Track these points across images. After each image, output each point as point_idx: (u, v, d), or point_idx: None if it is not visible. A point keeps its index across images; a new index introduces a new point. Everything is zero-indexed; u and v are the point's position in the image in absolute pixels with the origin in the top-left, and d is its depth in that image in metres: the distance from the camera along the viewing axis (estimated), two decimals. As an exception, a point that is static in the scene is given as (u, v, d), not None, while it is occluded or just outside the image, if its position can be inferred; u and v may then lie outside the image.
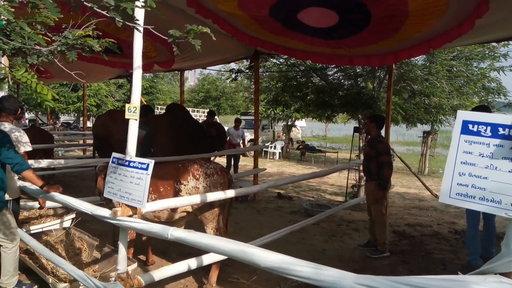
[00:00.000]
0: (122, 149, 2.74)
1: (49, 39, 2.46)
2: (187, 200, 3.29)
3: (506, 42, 8.25)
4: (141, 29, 2.32)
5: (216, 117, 9.59)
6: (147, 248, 4.32)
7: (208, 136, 7.46)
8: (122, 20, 1.77)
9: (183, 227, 4.16)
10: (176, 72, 13.60)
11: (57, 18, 2.31)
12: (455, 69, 8.66)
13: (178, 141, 6.76)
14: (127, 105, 2.62)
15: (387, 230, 5.07)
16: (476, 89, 9.26)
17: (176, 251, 4.54)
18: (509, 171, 1.44)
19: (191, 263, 3.28)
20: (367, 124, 5.30)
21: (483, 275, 1.43)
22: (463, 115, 1.56)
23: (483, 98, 9.96)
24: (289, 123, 19.84)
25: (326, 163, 16.16)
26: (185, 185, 3.59)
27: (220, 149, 7.83)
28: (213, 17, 4.79)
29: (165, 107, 8.04)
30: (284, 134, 20.72)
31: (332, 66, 8.40)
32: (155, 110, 25.74)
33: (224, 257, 3.19)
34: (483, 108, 4.58)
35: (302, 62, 8.77)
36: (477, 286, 1.29)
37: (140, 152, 5.57)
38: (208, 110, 11.51)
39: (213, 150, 7.54)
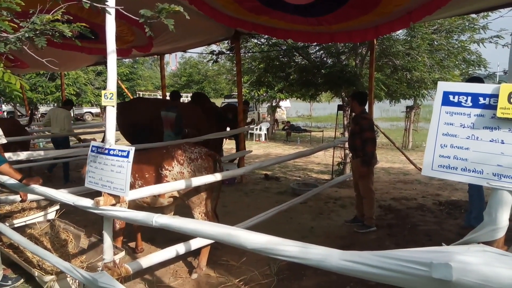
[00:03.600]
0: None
1: (16, 26, 2.34)
2: (170, 186, 3.25)
3: (485, 14, 8.30)
4: (112, 11, 2.22)
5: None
6: (137, 235, 4.29)
7: (226, 118, 8.15)
8: (89, 1, 1.68)
9: (173, 212, 4.14)
10: (156, 56, 13.33)
11: (23, 3, 2.20)
12: (435, 42, 8.70)
13: (209, 124, 7.42)
14: (103, 92, 2.53)
15: (375, 205, 5.14)
16: (457, 62, 9.36)
17: (164, 237, 4.51)
18: (490, 141, 1.43)
19: (179, 248, 3.26)
20: (350, 102, 5.35)
21: (466, 244, 1.44)
22: (444, 86, 1.54)
23: (463, 71, 10.07)
24: (274, 104, 19.77)
25: (312, 143, 16.23)
26: (170, 171, 3.56)
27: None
28: (189, -3, 4.65)
29: (190, 96, 8.83)
30: (269, 115, 20.66)
31: (313, 44, 8.32)
32: (137, 96, 25.34)
33: (212, 241, 3.19)
34: (477, 79, 4.65)
35: (284, 41, 8.67)
36: (461, 256, 1.29)
37: (174, 133, 6.20)
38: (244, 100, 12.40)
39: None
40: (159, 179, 3.60)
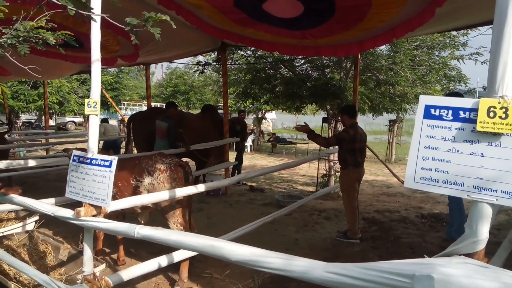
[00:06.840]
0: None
1: (-1, 32, 2.30)
2: (153, 197, 3.20)
3: (465, 31, 8.55)
4: (98, 18, 2.20)
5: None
6: (120, 246, 4.20)
7: (233, 130, 8.52)
8: (74, 9, 1.66)
9: (147, 218, 4.06)
10: (142, 66, 13.26)
11: (7, 10, 2.16)
12: (418, 58, 8.89)
13: (218, 134, 7.88)
14: (86, 100, 2.50)
15: (357, 219, 5.14)
16: (438, 78, 9.56)
17: (146, 249, 4.43)
18: (470, 154, 1.46)
19: (162, 260, 3.20)
20: (340, 116, 5.38)
21: (448, 256, 1.45)
22: (426, 99, 1.57)
23: (444, 86, 10.30)
24: (260, 115, 19.84)
25: (297, 154, 16.30)
26: (141, 182, 3.54)
27: (242, 141, 9.25)
28: (176, 8, 4.65)
29: (201, 107, 9.33)
30: (255, 127, 20.71)
31: (299, 57, 8.42)
32: (122, 107, 25.13)
33: (195, 253, 3.15)
34: (456, 94, 4.82)
35: (270, 54, 8.74)
36: (443, 268, 1.30)
37: (167, 143, 6.49)
38: (239, 109, 13.43)
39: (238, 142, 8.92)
40: (132, 189, 3.58)
